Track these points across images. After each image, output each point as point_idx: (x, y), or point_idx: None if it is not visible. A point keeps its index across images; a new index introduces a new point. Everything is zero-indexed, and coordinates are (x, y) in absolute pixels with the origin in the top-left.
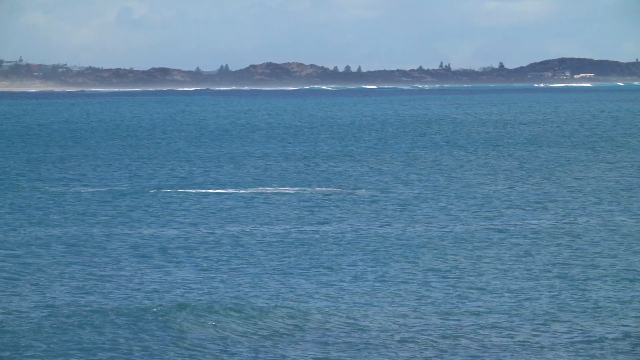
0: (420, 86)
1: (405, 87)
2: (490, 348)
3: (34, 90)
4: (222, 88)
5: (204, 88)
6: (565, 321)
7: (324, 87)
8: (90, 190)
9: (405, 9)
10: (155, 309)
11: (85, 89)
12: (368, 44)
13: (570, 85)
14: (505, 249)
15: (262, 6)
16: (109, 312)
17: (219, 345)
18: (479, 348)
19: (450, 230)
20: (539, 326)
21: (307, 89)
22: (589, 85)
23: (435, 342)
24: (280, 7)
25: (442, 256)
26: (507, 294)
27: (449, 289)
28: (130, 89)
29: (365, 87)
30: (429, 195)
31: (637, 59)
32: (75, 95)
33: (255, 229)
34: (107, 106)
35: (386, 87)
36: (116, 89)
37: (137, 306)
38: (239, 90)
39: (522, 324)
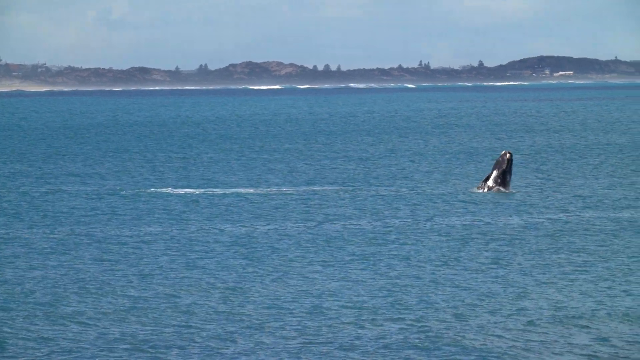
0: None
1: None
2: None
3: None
4: (201, 87)
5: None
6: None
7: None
8: None
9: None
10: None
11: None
12: (348, 43)
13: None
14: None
15: (242, 5)
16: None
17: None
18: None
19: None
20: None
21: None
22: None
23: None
24: (259, 6)
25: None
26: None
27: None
28: (110, 89)
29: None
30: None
31: (615, 57)
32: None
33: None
34: None
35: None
36: (95, 88)
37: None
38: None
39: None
